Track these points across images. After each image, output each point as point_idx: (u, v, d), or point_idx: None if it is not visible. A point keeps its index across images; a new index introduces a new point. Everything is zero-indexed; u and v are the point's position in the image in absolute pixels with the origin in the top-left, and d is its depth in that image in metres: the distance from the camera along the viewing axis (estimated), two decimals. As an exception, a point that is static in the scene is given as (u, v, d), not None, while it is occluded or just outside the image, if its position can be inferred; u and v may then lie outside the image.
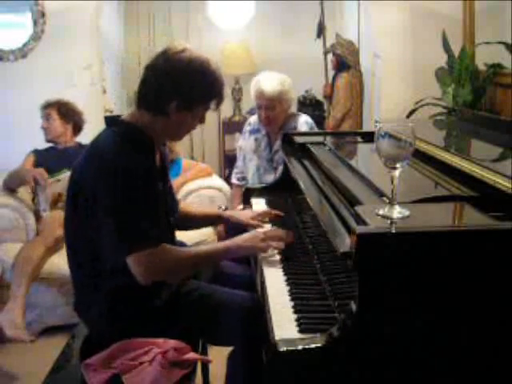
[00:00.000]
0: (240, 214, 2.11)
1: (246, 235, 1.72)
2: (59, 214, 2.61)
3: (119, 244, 1.54)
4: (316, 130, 3.03)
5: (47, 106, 3.26)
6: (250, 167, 3.07)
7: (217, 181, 3.43)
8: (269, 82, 2.85)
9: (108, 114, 3.88)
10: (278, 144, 2.91)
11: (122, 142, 1.58)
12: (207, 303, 1.64)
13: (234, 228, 2.12)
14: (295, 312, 1.35)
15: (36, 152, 3.27)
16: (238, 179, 3.20)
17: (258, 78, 2.94)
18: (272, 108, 2.85)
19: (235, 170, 3.23)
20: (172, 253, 1.59)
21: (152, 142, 1.66)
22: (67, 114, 3.26)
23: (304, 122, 2.95)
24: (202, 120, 1.72)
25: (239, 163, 3.18)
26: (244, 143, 3.11)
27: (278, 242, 1.71)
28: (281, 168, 2.86)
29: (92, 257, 1.61)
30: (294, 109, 5.07)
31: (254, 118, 3.11)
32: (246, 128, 3.12)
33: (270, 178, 2.92)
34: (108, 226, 1.53)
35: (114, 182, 1.52)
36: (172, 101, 1.60)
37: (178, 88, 1.60)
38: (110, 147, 1.58)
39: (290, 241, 1.75)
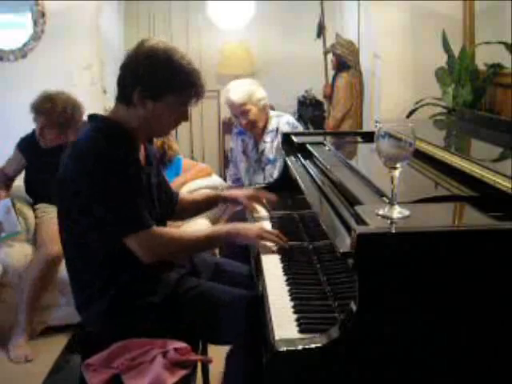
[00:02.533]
0: (237, 191, 2.13)
1: (247, 224, 1.78)
2: (53, 224, 2.08)
3: (109, 231, 1.57)
4: (300, 129, 3.04)
5: (41, 113, 2.80)
6: (241, 168, 3.12)
7: (217, 181, 3.43)
8: (234, 90, 2.90)
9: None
10: (263, 145, 2.97)
11: (97, 135, 1.61)
12: (207, 301, 1.64)
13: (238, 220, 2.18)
14: (295, 312, 1.35)
15: (22, 150, 2.99)
16: (233, 181, 3.23)
17: (225, 90, 2.99)
18: (246, 113, 2.88)
19: (229, 173, 3.27)
20: (166, 233, 1.64)
21: (131, 135, 1.66)
22: (66, 123, 2.81)
23: (285, 122, 2.96)
24: (184, 116, 1.70)
25: (231, 165, 3.23)
26: (234, 145, 3.16)
27: (271, 240, 1.72)
28: (269, 168, 2.94)
29: (81, 253, 1.63)
30: (293, 108, 5.13)
31: None
32: (234, 130, 3.17)
33: (260, 178, 2.98)
34: (95, 215, 1.55)
35: (92, 171, 1.54)
36: (135, 88, 1.60)
37: (137, 75, 1.60)
38: (85, 141, 1.62)
39: (283, 246, 1.74)
